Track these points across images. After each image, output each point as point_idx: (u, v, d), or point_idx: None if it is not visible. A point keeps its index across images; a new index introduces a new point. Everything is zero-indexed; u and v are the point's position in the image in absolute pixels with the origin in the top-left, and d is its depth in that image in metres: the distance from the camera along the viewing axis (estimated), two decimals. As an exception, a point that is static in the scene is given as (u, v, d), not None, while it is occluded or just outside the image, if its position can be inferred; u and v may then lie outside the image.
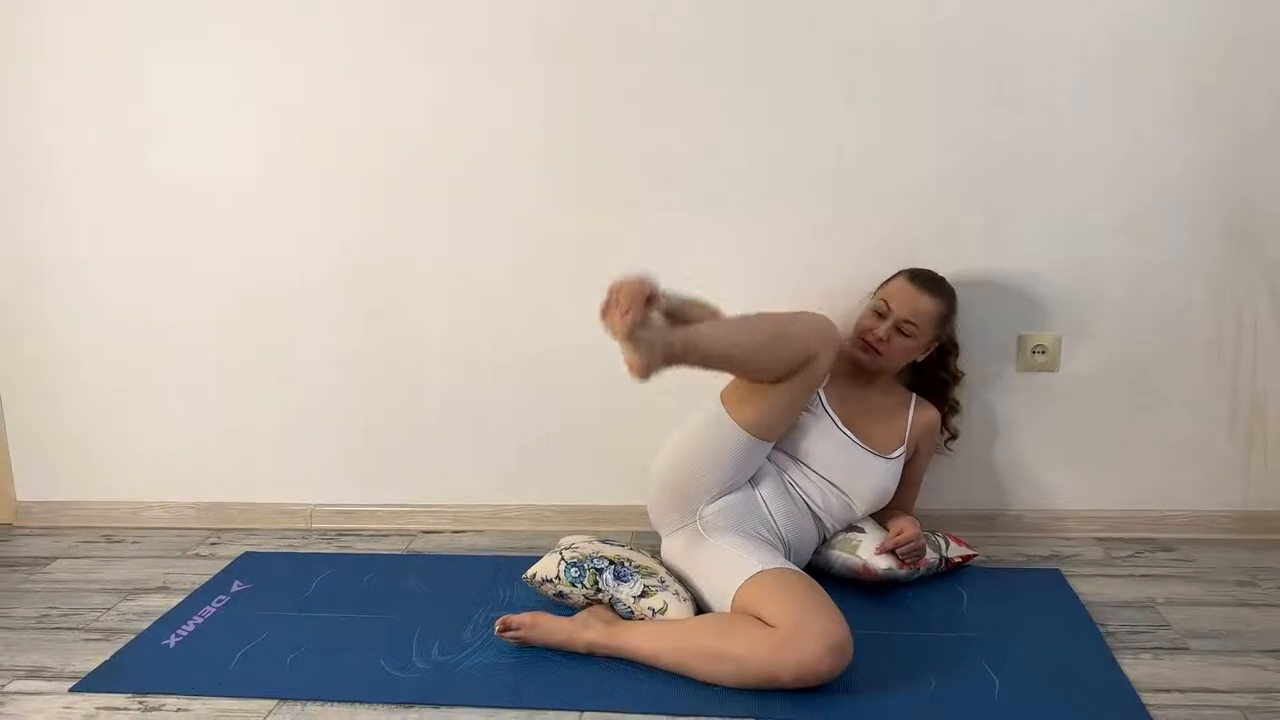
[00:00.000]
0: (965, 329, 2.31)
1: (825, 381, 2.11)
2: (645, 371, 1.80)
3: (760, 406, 2.00)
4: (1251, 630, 1.98)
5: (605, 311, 1.80)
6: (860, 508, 2.17)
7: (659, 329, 1.84)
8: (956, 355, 2.31)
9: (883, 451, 2.19)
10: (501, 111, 2.35)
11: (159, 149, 2.45)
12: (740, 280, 2.27)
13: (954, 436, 2.37)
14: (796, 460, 2.15)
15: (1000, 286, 2.33)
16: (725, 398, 2.04)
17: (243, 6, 2.35)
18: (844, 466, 2.15)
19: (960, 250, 2.31)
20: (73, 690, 1.88)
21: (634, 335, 1.77)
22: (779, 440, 2.15)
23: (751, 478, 2.10)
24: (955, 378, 2.32)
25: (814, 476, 2.14)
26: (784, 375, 1.95)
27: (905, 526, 2.12)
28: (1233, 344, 2.33)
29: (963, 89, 2.25)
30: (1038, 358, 2.36)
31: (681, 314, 1.96)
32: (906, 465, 2.24)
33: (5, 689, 1.88)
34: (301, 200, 2.45)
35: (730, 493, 2.06)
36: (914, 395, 2.28)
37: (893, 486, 2.21)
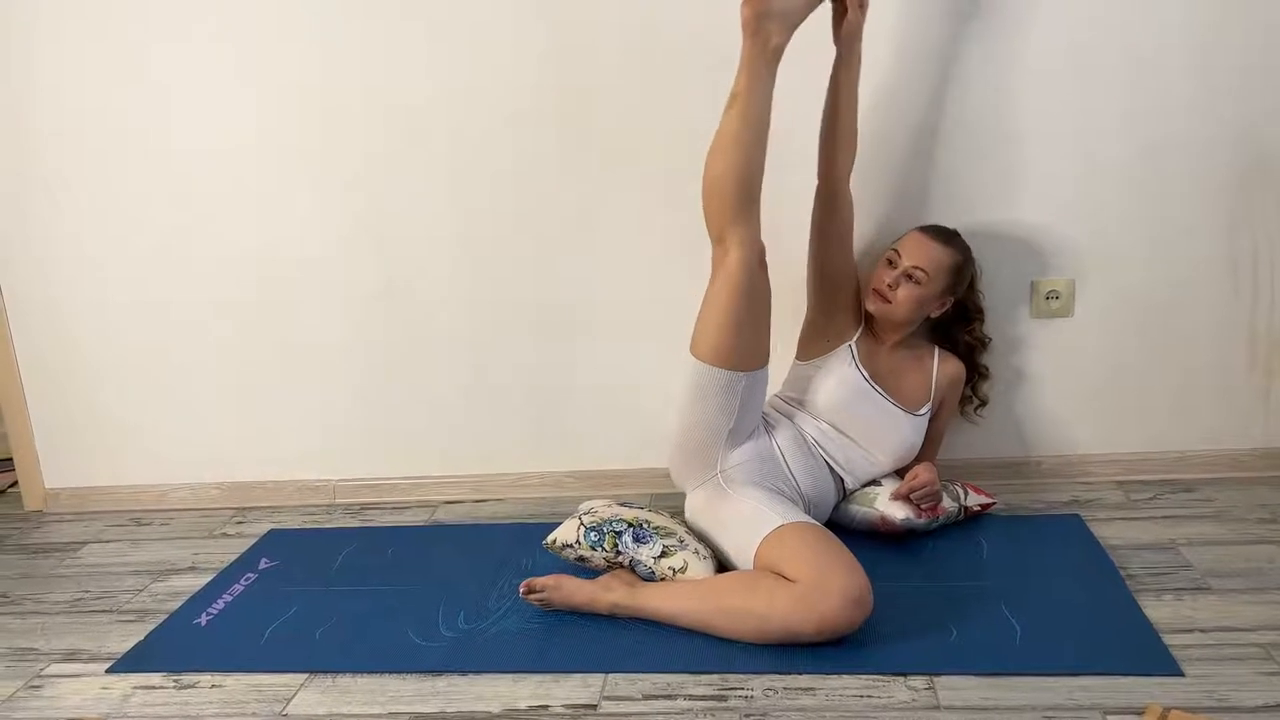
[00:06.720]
0: (978, 278, 2.29)
1: (763, 295, 2.02)
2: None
3: (712, 336, 1.98)
4: (1274, 567, 1.97)
5: None
6: (886, 465, 2.18)
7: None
8: (981, 321, 2.29)
9: (910, 408, 2.19)
10: (503, 78, 2.34)
11: (168, 135, 2.46)
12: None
13: (984, 404, 2.35)
14: (820, 419, 2.16)
15: (1011, 233, 2.31)
16: (691, 347, 2.02)
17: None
18: (872, 425, 2.15)
19: (970, 198, 2.29)
20: (109, 671, 1.92)
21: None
22: (806, 396, 2.16)
23: (771, 433, 2.11)
24: (982, 343, 2.30)
25: (836, 436, 2.15)
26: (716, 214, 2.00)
27: (920, 471, 2.12)
28: (1249, 279, 2.30)
29: (969, 34, 2.21)
30: (1052, 303, 2.34)
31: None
32: (930, 420, 2.24)
33: (43, 672, 1.93)
34: (310, 177, 2.45)
35: (746, 441, 2.06)
36: (936, 348, 2.27)
37: (918, 443, 2.21)
